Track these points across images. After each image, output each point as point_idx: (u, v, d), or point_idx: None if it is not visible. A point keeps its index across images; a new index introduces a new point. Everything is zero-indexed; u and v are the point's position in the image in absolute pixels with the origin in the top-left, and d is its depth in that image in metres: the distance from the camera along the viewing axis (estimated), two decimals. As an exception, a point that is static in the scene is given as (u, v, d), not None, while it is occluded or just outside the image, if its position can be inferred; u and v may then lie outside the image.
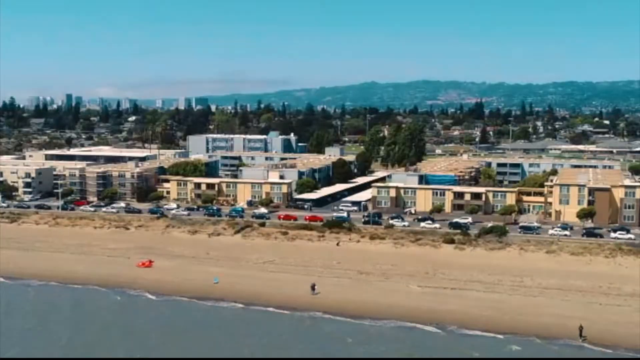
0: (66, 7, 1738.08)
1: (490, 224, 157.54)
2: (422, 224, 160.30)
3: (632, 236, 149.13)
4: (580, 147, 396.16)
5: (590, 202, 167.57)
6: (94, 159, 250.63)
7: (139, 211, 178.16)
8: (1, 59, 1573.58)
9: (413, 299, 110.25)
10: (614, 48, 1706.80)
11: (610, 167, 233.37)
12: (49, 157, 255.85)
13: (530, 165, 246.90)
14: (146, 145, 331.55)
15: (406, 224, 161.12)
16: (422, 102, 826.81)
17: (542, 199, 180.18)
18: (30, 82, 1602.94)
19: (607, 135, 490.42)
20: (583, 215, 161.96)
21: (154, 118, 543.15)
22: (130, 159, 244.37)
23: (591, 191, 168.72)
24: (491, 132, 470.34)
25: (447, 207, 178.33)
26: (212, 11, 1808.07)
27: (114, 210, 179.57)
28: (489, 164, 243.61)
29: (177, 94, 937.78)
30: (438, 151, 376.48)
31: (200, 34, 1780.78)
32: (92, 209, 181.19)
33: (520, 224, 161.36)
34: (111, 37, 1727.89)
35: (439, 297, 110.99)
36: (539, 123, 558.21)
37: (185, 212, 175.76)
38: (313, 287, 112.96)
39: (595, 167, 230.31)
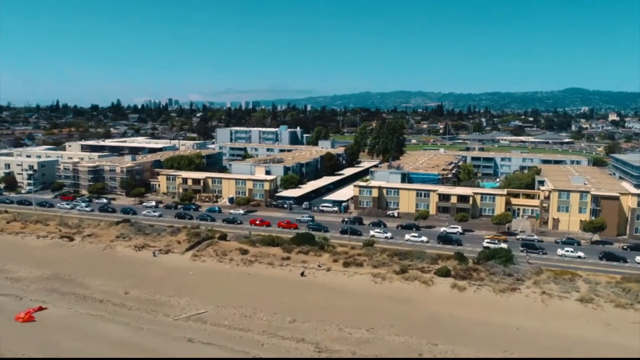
0: (184, 45, 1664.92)
1: (485, 239, 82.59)
2: (407, 236, 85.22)
3: (665, 262, 73.55)
4: (522, 138, 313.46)
5: (593, 211, 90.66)
6: (119, 150, 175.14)
7: (114, 210, 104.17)
8: (127, 72, 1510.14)
9: None
10: (524, 68, 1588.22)
11: (578, 162, 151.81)
12: (85, 148, 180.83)
13: (502, 159, 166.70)
14: (183, 135, 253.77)
15: (389, 235, 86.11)
16: (399, 105, 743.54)
17: (531, 201, 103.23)
18: (146, 89, 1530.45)
19: (534, 128, 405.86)
20: (592, 229, 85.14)
21: (213, 114, 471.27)
22: (150, 150, 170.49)
23: (596, 198, 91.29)
24: (450, 126, 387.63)
25: (432, 209, 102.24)
26: (265, 48, 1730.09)
27: (88, 209, 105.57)
28: (464, 159, 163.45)
29: (240, 99, 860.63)
30: (413, 141, 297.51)
31: (257, 59, 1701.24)
32: (69, 206, 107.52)
33: (519, 237, 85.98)
34: (200, 60, 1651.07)
35: None
36: (483, 119, 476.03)
37: (157, 214, 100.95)
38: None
39: (564, 162, 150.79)
